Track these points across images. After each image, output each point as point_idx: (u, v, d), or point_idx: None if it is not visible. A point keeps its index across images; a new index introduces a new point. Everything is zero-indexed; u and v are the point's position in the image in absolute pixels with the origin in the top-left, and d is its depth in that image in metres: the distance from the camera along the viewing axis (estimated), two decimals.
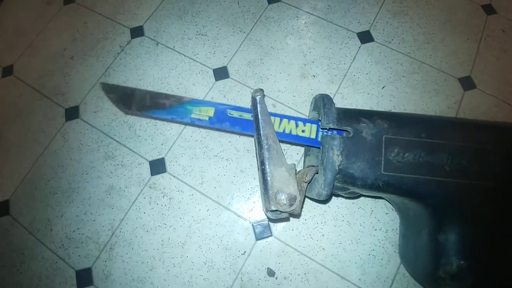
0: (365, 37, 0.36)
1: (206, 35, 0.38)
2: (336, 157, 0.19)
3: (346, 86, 0.34)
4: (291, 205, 0.21)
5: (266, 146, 0.21)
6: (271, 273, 0.28)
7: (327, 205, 0.30)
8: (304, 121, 0.22)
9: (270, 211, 0.21)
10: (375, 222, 0.30)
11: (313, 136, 0.21)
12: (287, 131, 0.21)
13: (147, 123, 0.34)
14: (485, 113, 0.33)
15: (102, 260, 0.30)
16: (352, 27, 0.37)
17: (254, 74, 0.36)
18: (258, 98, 0.22)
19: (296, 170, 0.21)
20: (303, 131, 0.21)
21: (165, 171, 0.32)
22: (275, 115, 0.22)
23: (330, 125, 0.20)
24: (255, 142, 0.22)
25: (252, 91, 0.23)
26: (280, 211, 0.21)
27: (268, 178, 0.20)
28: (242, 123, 0.22)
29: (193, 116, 0.22)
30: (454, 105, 0.33)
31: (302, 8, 0.39)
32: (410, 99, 0.34)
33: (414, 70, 0.35)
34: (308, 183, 0.21)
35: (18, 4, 0.43)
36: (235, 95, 0.35)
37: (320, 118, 0.21)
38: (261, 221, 0.30)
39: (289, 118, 0.22)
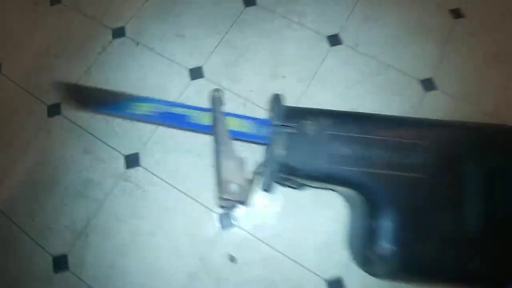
0: (334, 40, 0.38)
1: (184, 36, 0.40)
2: (280, 151, 0.21)
3: (314, 86, 0.36)
4: (239, 194, 0.23)
5: (220, 142, 0.23)
6: (232, 259, 0.30)
7: (289, 196, 0.32)
8: (255, 119, 0.24)
9: (222, 199, 0.22)
10: (333, 214, 0.31)
11: (262, 133, 0.23)
12: (239, 130, 0.23)
13: (124, 120, 0.36)
14: (445, 113, 0.35)
15: (77, 247, 0.32)
16: (322, 30, 0.39)
17: (228, 75, 0.37)
18: (215, 97, 0.24)
19: (243, 163, 0.23)
20: (252, 129, 0.23)
21: (139, 165, 0.34)
22: (230, 114, 0.24)
23: (277, 122, 0.22)
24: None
25: (212, 90, 0.25)
26: (230, 199, 0.23)
27: (220, 170, 0.22)
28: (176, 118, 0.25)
29: (138, 112, 0.25)
30: (415, 105, 0.35)
31: (276, 11, 0.41)
32: (374, 99, 0.36)
33: (380, 72, 0.37)
34: (256, 175, 0.23)
35: (6, 4, 0.45)
36: (209, 94, 0.37)
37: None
38: (226, 212, 0.32)
39: (242, 117, 0.24)
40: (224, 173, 0.22)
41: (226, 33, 0.39)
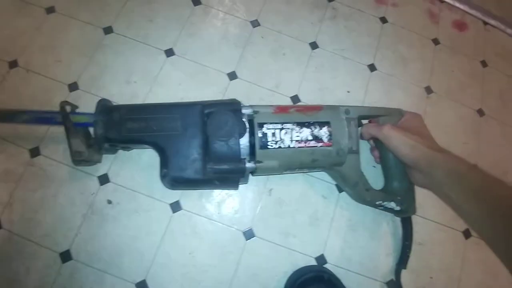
0: (169, 52, 0.56)
1: (61, 61, 0.55)
2: (99, 129, 0.39)
3: (154, 88, 0.54)
4: (88, 156, 0.40)
5: (69, 132, 0.40)
6: (109, 202, 0.48)
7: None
8: (89, 113, 0.41)
9: (76, 161, 0.40)
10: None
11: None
12: (80, 122, 0.41)
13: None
14: (242, 93, 0.54)
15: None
16: (162, 46, 0.56)
17: (95, 86, 0.53)
18: (63, 106, 0.40)
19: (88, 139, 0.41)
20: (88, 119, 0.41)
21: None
22: (75, 113, 0.41)
23: (97, 114, 0.40)
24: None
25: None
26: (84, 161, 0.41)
27: (71, 147, 0.39)
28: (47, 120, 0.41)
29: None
30: (223, 90, 0.54)
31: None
32: (196, 90, 0.54)
33: (200, 71, 0.55)
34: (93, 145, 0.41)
35: None
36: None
37: None
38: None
39: (81, 114, 0.41)
40: (73, 147, 0.39)
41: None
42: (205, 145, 0.40)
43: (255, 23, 0.59)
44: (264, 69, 0.56)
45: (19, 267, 0.45)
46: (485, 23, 0.66)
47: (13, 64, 0.54)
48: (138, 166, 0.49)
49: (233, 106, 0.40)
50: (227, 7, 0.59)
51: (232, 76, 0.55)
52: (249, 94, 0.54)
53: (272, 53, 0.57)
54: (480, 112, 0.57)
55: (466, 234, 0.49)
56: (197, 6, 0.59)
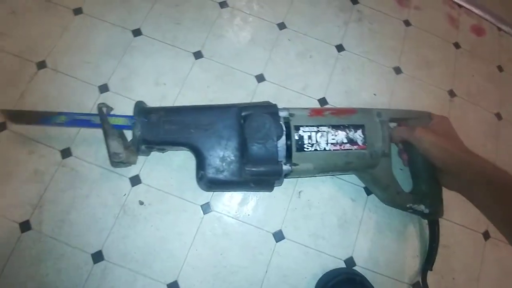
0: (198, 55, 0.56)
1: (90, 62, 0.55)
2: (137, 131, 0.39)
3: (184, 90, 0.54)
4: (125, 159, 0.40)
5: (107, 133, 0.40)
6: (141, 203, 0.48)
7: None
8: (126, 116, 0.41)
9: (115, 163, 0.40)
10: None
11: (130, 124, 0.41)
12: (117, 124, 0.41)
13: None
14: (270, 95, 0.55)
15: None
16: (190, 49, 0.56)
17: (125, 88, 0.53)
18: (100, 108, 0.41)
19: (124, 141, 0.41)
20: (125, 122, 0.41)
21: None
22: (112, 115, 0.41)
23: (136, 116, 0.40)
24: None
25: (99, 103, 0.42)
26: (121, 163, 0.41)
27: (109, 148, 0.39)
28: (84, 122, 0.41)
29: (59, 121, 0.41)
30: (251, 93, 0.55)
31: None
32: (227, 94, 0.54)
33: (228, 73, 0.55)
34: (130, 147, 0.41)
35: None
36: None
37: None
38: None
39: (119, 116, 0.41)
40: (111, 148, 0.40)
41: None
42: (241, 147, 0.40)
43: (282, 26, 0.59)
44: (291, 72, 0.56)
45: (50, 268, 0.45)
46: (499, 29, 0.67)
47: (41, 65, 0.54)
48: (169, 167, 0.49)
49: (270, 109, 0.41)
50: (254, 9, 0.60)
51: (260, 78, 0.55)
52: (277, 96, 0.54)
53: (298, 56, 0.57)
54: (498, 116, 0.58)
55: (486, 235, 0.50)
56: (223, 9, 0.59)
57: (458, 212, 0.52)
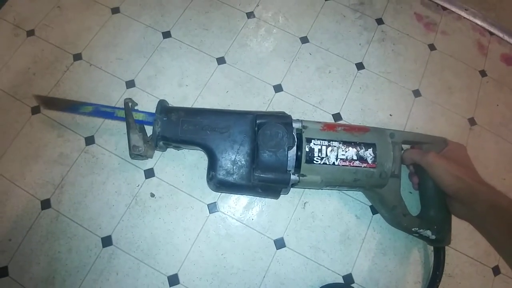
0: (221, 60, 0.58)
1: (122, 59, 0.59)
2: (157, 128, 0.42)
3: (204, 93, 0.56)
4: (144, 152, 0.43)
5: (130, 126, 0.43)
6: (152, 195, 0.51)
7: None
8: (148, 113, 0.44)
9: (134, 155, 0.43)
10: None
11: (151, 120, 0.43)
12: (139, 119, 0.43)
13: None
14: (285, 106, 0.56)
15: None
16: (213, 54, 0.59)
17: (151, 85, 0.57)
18: (126, 102, 0.43)
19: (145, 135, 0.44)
20: (147, 118, 0.44)
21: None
22: (135, 110, 0.44)
23: (157, 114, 0.42)
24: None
25: (125, 98, 0.45)
26: (140, 155, 0.43)
27: (130, 141, 0.42)
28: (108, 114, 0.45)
29: (87, 111, 0.44)
30: (267, 101, 0.56)
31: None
32: (243, 98, 0.56)
33: (247, 81, 0.57)
34: (149, 142, 0.43)
35: None
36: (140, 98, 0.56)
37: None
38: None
39: (141, 112, 0.44)
40: (132, 141, 0.42)
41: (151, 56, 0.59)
42: (253, 153, 0.42)
43: (304, 40, 0.61)
44: (309, 85, 0.57)
45: (62, 246, 0.48)
46: None
47: (77, 57, 0.58)
48: (182, 164, 0.52)
49: (285, 119, 0.42)
50: (279, 22, 0.62)
51: (278, 88, 0.56)
52: (293, 107, 0.55)
53: (318, 70, 0.59)
54: None
55: (495, 271, 0.48)
56: (250, 19, 0.62)
57: (467, 243, 0.51)
